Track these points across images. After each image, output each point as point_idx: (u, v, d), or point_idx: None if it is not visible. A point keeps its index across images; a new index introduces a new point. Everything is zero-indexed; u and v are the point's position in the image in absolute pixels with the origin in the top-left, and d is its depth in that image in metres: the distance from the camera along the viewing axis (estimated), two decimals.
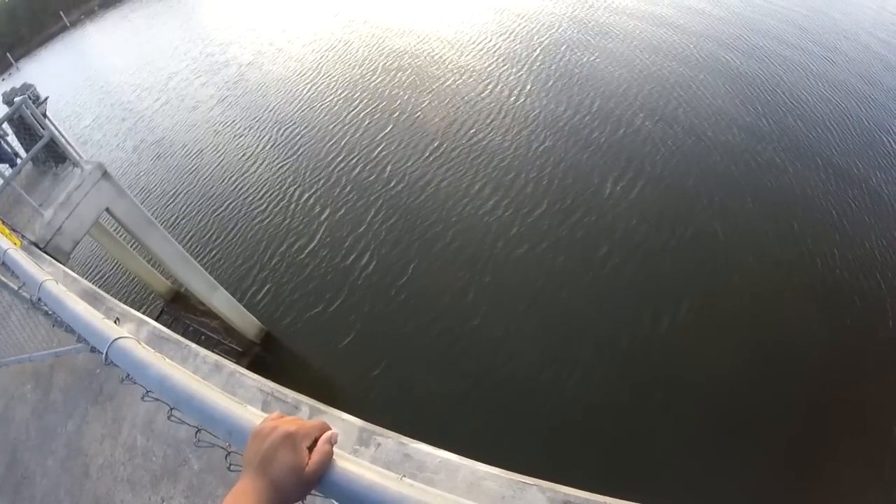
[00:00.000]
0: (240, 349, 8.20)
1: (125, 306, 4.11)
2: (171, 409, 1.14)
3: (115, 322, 3.42)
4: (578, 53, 15.63)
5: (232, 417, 0.98)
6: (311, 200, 10.52)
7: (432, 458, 3.07)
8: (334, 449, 0.93)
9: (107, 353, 1.28)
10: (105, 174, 5.99)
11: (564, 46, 16.05)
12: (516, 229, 9.50)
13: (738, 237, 9.49)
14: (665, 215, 9.89)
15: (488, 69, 14.76)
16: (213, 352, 7.76)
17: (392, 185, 10.65)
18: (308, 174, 11.26)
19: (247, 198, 10.83)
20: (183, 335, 8.22)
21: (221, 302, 7.80)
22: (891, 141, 13.22)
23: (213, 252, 9.96)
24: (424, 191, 10.45)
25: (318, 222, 10.08)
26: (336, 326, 8.31)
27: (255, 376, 3.61)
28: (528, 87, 13.88)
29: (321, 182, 10.98)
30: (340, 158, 11.55)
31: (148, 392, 1.18)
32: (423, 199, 10.24)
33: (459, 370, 7.51)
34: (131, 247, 8.94)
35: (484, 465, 3.13)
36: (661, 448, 6.65)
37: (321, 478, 0.89)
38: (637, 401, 7.07)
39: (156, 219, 7.33)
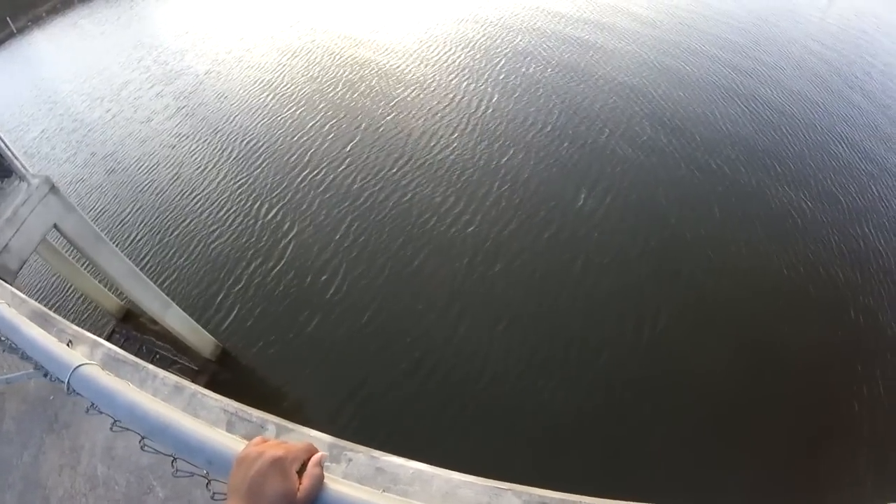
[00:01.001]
0: (195, 367, 7.97)
1: (76, 327, 3.90)
2: (143, 438, 1.09)
3: (67, 345, 3.25)
4: (541, 65, 15.98)
5: (211, 445, 0.95)
6: (276, 216, 10.26)
7: (405, 470, 3.03)
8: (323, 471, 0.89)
9: (68, 382, 1.22)
10: (53, 189, 5.71)
11: (527, 58, 16.38)
12: (490, 244, 9.57)
13: (707, 242, 9.98)
14: (637, 225, 10.25)
15: (451, 81, 14.88)
16: (169, 371, 7.53)
17: (360, 200, 10.50)
18: (271, 189, 10.97)
19: (204, 214, 10.47)
20: (136, 355, 7.93)
21: (175, 319, 7.54)
22: (840, 143, 14.15)
23: (167, 269, 9.57)
24: (393, 207, 10.34)
25: (282, 238, 9.83)
26: (296, 342, 8.17)
27: (218, 396, 3.49)
28: (494, 98, 14.07)
29: (286, 196, 10.72)
30: (306, 172, 11.33)
31: (116, 422, 1.13)
32: (392, 215, 10.14)
33: (431, 384, 7.51)
34: (80, 264, 8.52)
35: (458, 473, 3.11)
36: (639, 448, 6.88)
37: (314, 502, 0.85)
38: (618, 406, 7.32)
39: (107, 235, 7.05)
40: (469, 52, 16.77)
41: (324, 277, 8.97)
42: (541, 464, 6.46)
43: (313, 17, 19.58)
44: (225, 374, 7.91)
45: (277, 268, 9.21)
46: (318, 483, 0.87)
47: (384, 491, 0.92)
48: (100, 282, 8.72)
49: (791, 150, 13.42)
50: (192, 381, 6.51)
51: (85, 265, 8.50)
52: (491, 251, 9.38)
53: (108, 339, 8.38)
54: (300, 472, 0.87)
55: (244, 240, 9.79)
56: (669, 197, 11.05)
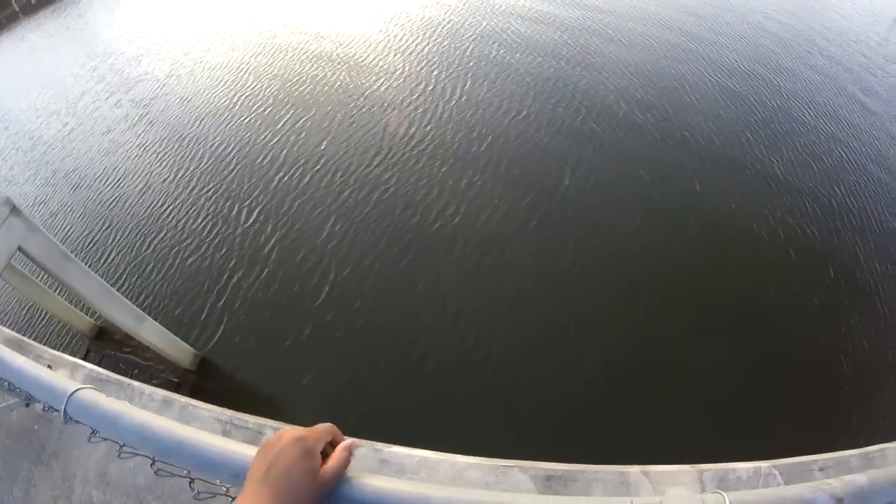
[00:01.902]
0: (176, 379, 7.79)
1: (54, 351, 3.78)
2: (154, 461, 1.02)
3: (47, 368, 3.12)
4: (510, 49, 15.93)
5: (235, 458, 0.89)
6: (255, 221, 9.96)
7: (410, 459, 3.03)
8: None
9: (65, 410, 1.14)
10: (14, 210, 5.48)
11: (495, 42, 16.29)
12: (477, 235, 9.52)
13: (690, 213, 10.32)
14: (621, 202, 10.39)
15: (421, 70, 14.68)
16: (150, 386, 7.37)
17: (341, 200, 10.26)
18: (247, 193, 10.62)
19: (178, 224, 10.10)
20: (114, 373, 7.75)
21: (151, 333, 7.36)
22: (805, 108, 14.61)
23: (144, 284, 9.23)
24: (376, 204, 10.15)
25: (263, 244, 9.54)
26: (284, 346, 8.00)
27: (209, 406, 3.43)
28: (466, 85, 13.93)
29: (264, 200, 10.39)
30: (281, 174, 11.01)
31: (123, 447, 1.06)
32: (375, 212, 9.97)
33: (433, 378, 7.51)
34: (48, 286, 8.23)
35: (462, 456, 3.13)
36: (642, 419, 7.12)
37: (336, 485, 0.83)
38: (617, 381, 7.57)
39: (78, 254, 6.81)
40: (436, 38, 16.55)
41: (311, 280, 8.80)
42: (547, 443, 6.53)
43: (271, 13, 19.08)
44: (207, 384, 7.75)
45: (261, 274, 9.00)
46: (344, 465, 0.85)
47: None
48: (70, 302, 8.46)
49: (759, 118, 13.81)
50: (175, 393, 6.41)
51: (54, 286, 8.22)
52: (479, 241, 9.35)
53: (84, 359, 8.13)
54: (326, 454, 0.85)
55: (223, 248, 9.52)
56: (651, 172, 11.22)
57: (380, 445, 3.04)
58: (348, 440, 0.90)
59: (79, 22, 21.07)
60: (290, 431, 0.82)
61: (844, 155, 13.05)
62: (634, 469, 3.24)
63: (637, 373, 7.62)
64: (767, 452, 3.63)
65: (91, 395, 1.13)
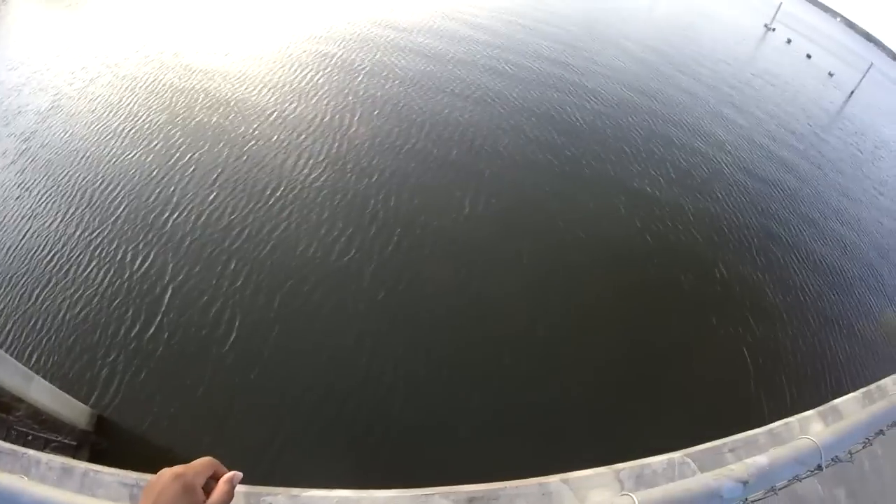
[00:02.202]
0: (73, 442, 7.09)
1: None
2: None
3: None
4: (399, 79, 16.50)
5: None
6: (147, 265, 9.31)
7: (328, 502, 3.00)
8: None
9: None
10: None
11: (385, 72, 16.78)
12: (376, 266, 9.58)
13: (581, 225, 11.43)
14: (520, 223, 11.21)
15: (312, 100, 14.74)
16: (48, 452, 6.70)
17: (237, 238, 9.92)
18: (136, 235, 9.91)
19: (64, 272, 9.19)
20: (5, 439, 6.93)
21: (41, 393, 6.76)
22: (678, 127, 16.48)
23: (24, 337, 8.30)
24: (274, 240, 9.92)
25: (156, 287, 8.95)
26: (186, 398, 7.57)
27: (112, 470, 3.24)
28: (357, 115, 14.15)
29: (154, 241, 9.77)
30: (172, 213, 10.42)
31: None
32: (274, 249, 9.74)
33: (345, 414, 7.43)
34: None
35: (382, 490, 3.09)
36: (556, 425, 7.58)
37: None
38: (533, 392, 8.00)
39: None
40: (327, 70, 16.81)
41: (213, 326, 8.38)
42: (468, 464, 6.73)
43: (159, 41, 18.24)
44: (106, 443, 7.16)
45: (158, 322, 8.42)
46: (227, 499, 0.85)
47: None
48: None
49: (639, 136, 15.48)
50: (74, 457, 5.93)
51: None
52: (378, 273, 9.45)
53: None
54: (208, 489, 0.85)
55: (116, 296, 8.80)
56: (545, 189, 12.05)
57: (296, 491, 2.99)
58: (230, 473, 0.89)
59: None
60: (169, 470, 0.83)
61: (721, 161, 15.07)
62: (554, 479, 3.33)
63: (540, 383, 8.02)
64: (683, 441, 3.96)
65: None
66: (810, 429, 3.85)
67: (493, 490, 3.18)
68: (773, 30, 45.35)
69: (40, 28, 19.71)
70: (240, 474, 0.92)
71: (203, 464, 0.88)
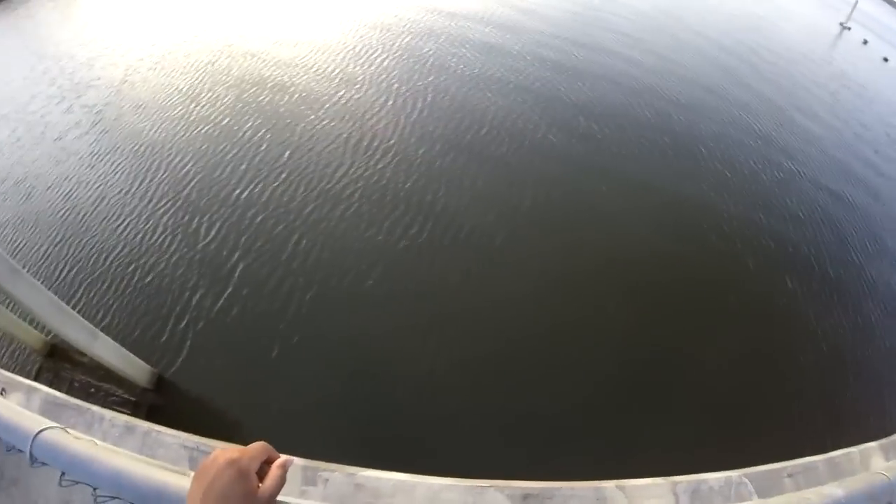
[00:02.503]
0: (133, 398, 7.47)
1: (7, 373, 3.57)
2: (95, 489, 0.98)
3: (0, 393, 2.95)
4: (470, 63, 16.29)
5: None
6: (215, 237, 9.54)
7: (385, 483, 2.98)
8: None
9: (31, 452, 1.08)
10: None
11: (454, 56, 16.66)
12: (444, 253, 9.52)
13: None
14: (578, 222, 10.89)
15: (380, 82, 14.71)
16: (106, 406, 7.03)
17: (304, 216, 9.98)
18: (207, 207, 10.15)
19: (136, 237, 9.59)
20: (67, 392, 7.33)
21: (105, 350, 7.05)
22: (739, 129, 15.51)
23: (94, 298, 8.75)
24: (339, 221, 9.91)
25: (221, 258, 9.17)
26: (243, 363, 7.75)
27: (174, 432, 3.29)
28: (427, 99, 14.03)
29: (224, 215, 9.96)
30: (242, 188, 10.61)
31: (97, 491, 1.00)
32: (340, 229, 9.76)
33: (406, 395, 7.42)
34: None
35: (438, 477, 3.10)
36: (607, 428, 7.33)
37: None
38: (587, 391, 7.77)
39: (30, 268, 6.46)
40: (396, 51, 16.74)
41: (276, 300, 8.51)
42: (523, 461, 6.55)
43: (227, 20, 18.74)
44: (165, 402, 7.45)
45: (223, 293, 8.62)
46: (280, 483, 0.85)
47: None
48: (20, 317, 8.01)
49: (708, 137, 14.71)
50: (133, 413, 6.16)
51: (2, 301, 7.77)
52: (446, 259, 9.37)
53: (36, 378, 7.73)
54: (261, 475, 0.84)
55: (183, 265, 9.07)
56: (611, 187, 11.83)
57: (353, 470, 2.99)
58: (283, 458, 0.90)
59: (28, 22, 20.08)
60: (223, 453, 0.82)
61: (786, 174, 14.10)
62: (609, 484, 3.33)
63: (611, 387, 7.79)
64: (739, 459, 3.82)
65: (58, 437, 1.07)
66: (871, 462, 3.85)
67: (549, 489, 3.18)
68: (849, 29, 42.27)
69: (110, 6, 20.69)
70: (293, 459, 0.92)
71: (257, 449, 0.86)
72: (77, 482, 1.05)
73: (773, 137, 16.57)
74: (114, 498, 1.02)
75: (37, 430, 1.08)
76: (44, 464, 1.07)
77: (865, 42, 40.37)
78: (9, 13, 20.72)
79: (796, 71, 25.10)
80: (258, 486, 0.81)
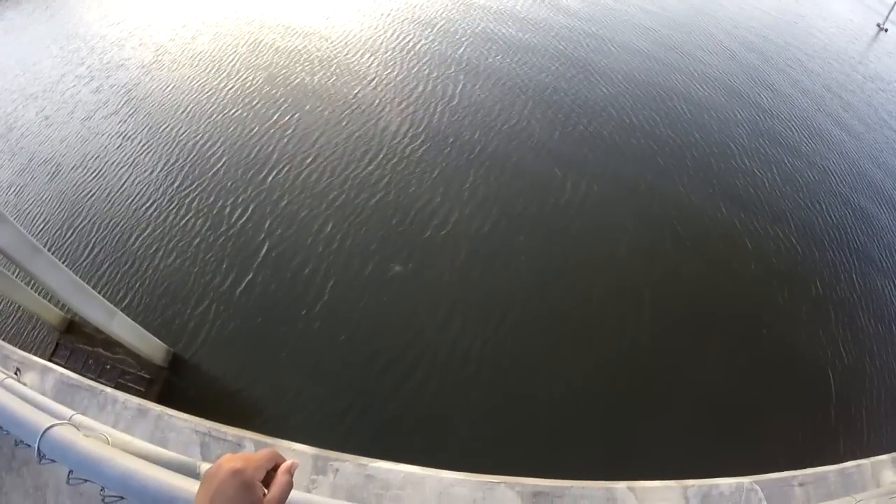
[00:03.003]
0: (148, 376, 7.60)
1: (22, 352, 3.62)
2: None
3: (15, 373, 2.97)
4: (504, 53, 16.02)
5: None
6: (242, 220, 9.57)
7: (395, 475, 2.98)
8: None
9: (38, 448, 1.05)
10: None
11: (488, 44, 16.45)
12: (471, 245, 9.40)
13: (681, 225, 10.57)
14: (621, 211, 10.68)
15: (413, 70, 14.60)
16: (121, 382, 7.15)
17: (331, 202, 9.93)
18: (234, 190, 10.15)
19: (161, 218, 9.69)
20: (83, 368, 7.56)
21: (122, 328, 7.16)
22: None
23: (111, 274, 8.91)
24: (368, 207, 9.88)
25: (248, 242, 9.19)
26: (261, 348, 7.79)
27: (186, 416, 3.31)
28: (459, 86, 13.84)
29: (251, 197, 9.98)
30: (270, 171, 10.57)
31: (104, 491, 0.98)
32: (368, 216, 9.74)
33: (421, 388, 7.39)
34: (17, 278, 7.96)
35: (449, 471, 3.11)
36: (623, 428, 7.24)
37: None
38: (601, 391, 7.70)
39: (56, 246, 6.58)
40: (429, 38, 16.50)
41: (300, 286, 8.51)
42: (534, 458, 6.48)
43: (259, 4, 18.62)
44: (179, 381, 7.57)
45: (248, 276, 8.65)
46: (286, 491, 0.83)
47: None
48: (39, 294, 8.21)
49: (743, 133, 14.28)
50: (146, 391, 6.25)
51: (20, 277, 7.95)
52: (472, 252, 9.23)
53: (54, 353, 7.93)
54: (268, 481, 0.83)
55: (208, 247, 9.12)
56: (647, 182, 11.51)
57: (364, 460, 2.99)
58: (288, 462, 0.88)
59: (58, 1, 20.40)
60: (228, 461, 0.80)
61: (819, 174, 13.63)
62: (621, 485, 3.31)
63: (623, 388, 7.69)
64: (752, 465, 3.74)
65: (66, 434, 1.04)
66: (882, 475, 3.85)
67: (559, 487, 3.18)
68: (886, 30, 40.74)
69: None
70: (297, 463, 0.90)
71: (263, 457, 0.85)
72: (85, 480, 1.02)
73: (809, 136, 16.09)
74: (121, 498, 0.99)
75: (45, 427, 1.05)
76: (52, 461, 1.04)
77: None
78: None
79: (832, 72, 24.29)
80: (263, 496, 0.80)
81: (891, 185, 15.39)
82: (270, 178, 10.46)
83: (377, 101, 12.93)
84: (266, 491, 0.82)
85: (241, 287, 8.50)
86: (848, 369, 8.91)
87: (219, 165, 10.88)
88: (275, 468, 0.87)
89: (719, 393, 7.94)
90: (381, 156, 11.09)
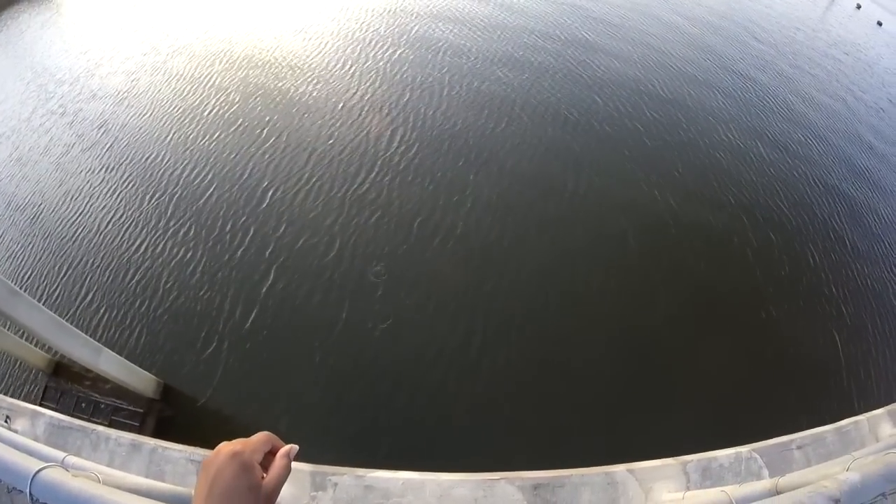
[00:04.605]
0: (141, 410, 7.57)
1: (11, 399, 3.60)
2: None
3: (5, 421, 2.96)
4: (486, 55, 16.05)
5: None
6: (237, 245, 9.35)
7: (394, 483, 3.00)
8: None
9: (30, 492, 1.09)
10: None
11: (469, 47, 16.46)
12: (477, 255, 9.36)
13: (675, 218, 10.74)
14: (621, 202, 10.80)
15: (396, 78, 14.41)
16: (115, 419, 7.11)
17: (329, 225, 9.72)
18: (235, 213, 9.85)
19: (149, 252, 9.44)
20: (75, 409, 7.51)
21: (109, 364, 7.14)
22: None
23: (97, 311, 8.75)
24: (367, 225, 9.68)
25: (245, 269, 8.98)
26: (242, 366, 7.77)
27: (181, 447, 3.31)
28: (445, 91, 13.82)
29: (248, 221, 9.71)
30: (264, 197, 10.24)
31: None
32: (370, 235, 9.56)
33: (415, 399, 7.43)
34: None
35: (447, 474, 3.13)
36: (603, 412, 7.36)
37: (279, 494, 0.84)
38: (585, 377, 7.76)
39: (42, 292, 6.53)
40: (407, 45, 16.31)
41: (287, 308, 8.42)
42: (532, 451, 6.56)
43: (228, 20, 18.17)
44: (172, 412, 7.59)
45: (252, 311, 8.49)
46: (285, 473, 0.85)
47: None
48: (23, 338, 8.10)
49: (725, 109, 14.49)
50: (141, 424, 6.26)
51: (3, 323, 7.83)
52: (482, 263, 9.18)
53: (44, 396, 7.83)
54: (266, 464, 0.85)
55: (204, 281, 8.91)
56: (647, 175, 11.69)
57: (361, 471, 3.02)
58: (287, 447, 0.90)
59: (20, 39, 19.93)
60: (226, 445, 0.82)
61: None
62: (620, 468, 3.35)
63: (616, 371, 7.81)
64: (749, 434, 3.77)
65: (56, 475, 1.08)
66: (879, 429, 3.85)
67: (559, 477, 3.20)
68: (859, 7, 41.87)
69: (103, 11, 20.41)
70: (296, 447, 0.92)
71: (260, 440, 0.87)
72: None
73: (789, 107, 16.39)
74: None
75: (35, 470, 1.09)
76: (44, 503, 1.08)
77: (859, 6, 39.91)
78: None
79: (796, 39, 24.71)
80: (262, 478, 0.82)
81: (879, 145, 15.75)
82: (268, 198, 10.28)
83: (363, 114, 12.72)
84: (265, 475, 0.84)
85: (234, 315, 8.46)
86: (852, 330, 9.18)
87: (209, 194, 10.55)
88: (271, 452, 0.89)
89: (716, 368, 8.06)
90: (376, 172, 10.85)
